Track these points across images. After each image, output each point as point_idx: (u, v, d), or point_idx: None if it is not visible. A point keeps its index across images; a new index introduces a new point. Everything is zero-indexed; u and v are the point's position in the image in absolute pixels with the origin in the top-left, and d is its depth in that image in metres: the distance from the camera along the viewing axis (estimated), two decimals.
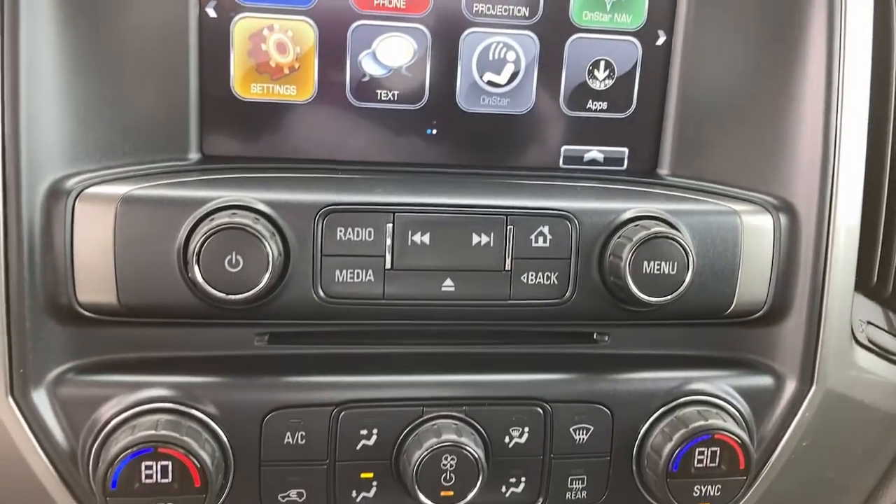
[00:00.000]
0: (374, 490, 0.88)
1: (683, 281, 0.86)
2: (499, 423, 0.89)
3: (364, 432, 0.87)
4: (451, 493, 0.85)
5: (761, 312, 0.95)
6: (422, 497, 0.84)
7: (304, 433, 0.86)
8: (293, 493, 0.87)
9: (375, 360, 0.91)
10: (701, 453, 0.89)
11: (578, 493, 0.91)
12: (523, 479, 0.91)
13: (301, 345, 0.91)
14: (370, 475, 0.88)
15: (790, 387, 0.96)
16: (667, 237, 0.86)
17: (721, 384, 0.94)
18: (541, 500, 0.91)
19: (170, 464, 0.80)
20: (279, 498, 0.87)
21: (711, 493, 0.90)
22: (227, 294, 0.79)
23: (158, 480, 0.80)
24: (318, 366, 0.89)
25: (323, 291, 0.85)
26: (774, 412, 0.96)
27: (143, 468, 0.80)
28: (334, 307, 0.86)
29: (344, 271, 0.85)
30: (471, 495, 0.85)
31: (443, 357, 0.93)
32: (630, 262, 0.85)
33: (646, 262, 0.86)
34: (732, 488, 0.90)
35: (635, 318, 0.93)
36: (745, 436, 0.89)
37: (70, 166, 0.83)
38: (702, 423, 0.89)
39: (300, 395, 0.86)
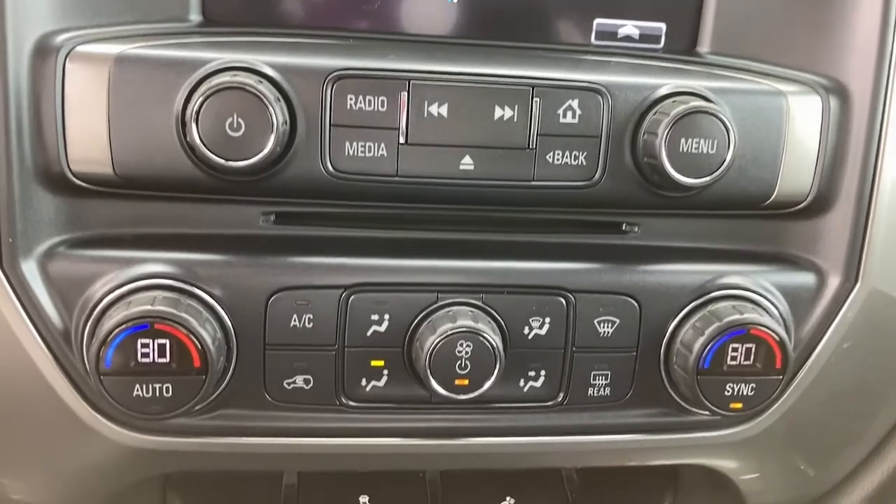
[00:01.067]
0: (384, 379, 0.83)
1: (723, 161, 0.79)
2: (518, 312, 0.84)
3: (375, 318, 0.82)
4: (466, 381, 0.80)
5: (804, 203, 0.87)
6: (435, 385, 0.79)
7: (311, 316, 0.81)
8: (299, 380, 0.82)
9: (388, 244, 0.85)
10: (735, 350, 0.83)
11: (601, 389, 0.86)
12: (543, 373, 0.85)
13: (309, 226, 0.85)
14: (381, 363, 0.83)
15: (832, 284, 0.89)
16: (707, 112, 0.78)
17: (758, 279, 0.87)
18: (561, 395, 0.86)
19: (167, 342, 0.75)
20: (285, 384, 0.82)
21: (744, 393, 0.84)
22: (228, 160, 0.73)
23: (155, 360, 0.75)
24: (327, 247, 0.83)
25: (332, 165, 0.78)
26: (815, 311, 0.89)
27: (138, 346, 0.75)
28: (344, 184, 0.79)
29: (354, 144, 0.78)
30: (487, 385, 0.80)
31: (460, 243, 0.87)
32: (666, 139, 0.78)
33: (683, 140, 0.78)
34: (767, 389, 0.84)
35: (668, 207, 0.86)
36: (782, 332, 0.83)
37: (60, 21, 0.77)
38: (737, 316, 0.82)
39: (308, 276, 0.80)
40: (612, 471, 0.97)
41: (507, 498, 0.93)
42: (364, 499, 0.91)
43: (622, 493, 0.95)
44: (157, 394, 0.76)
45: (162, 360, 0.76)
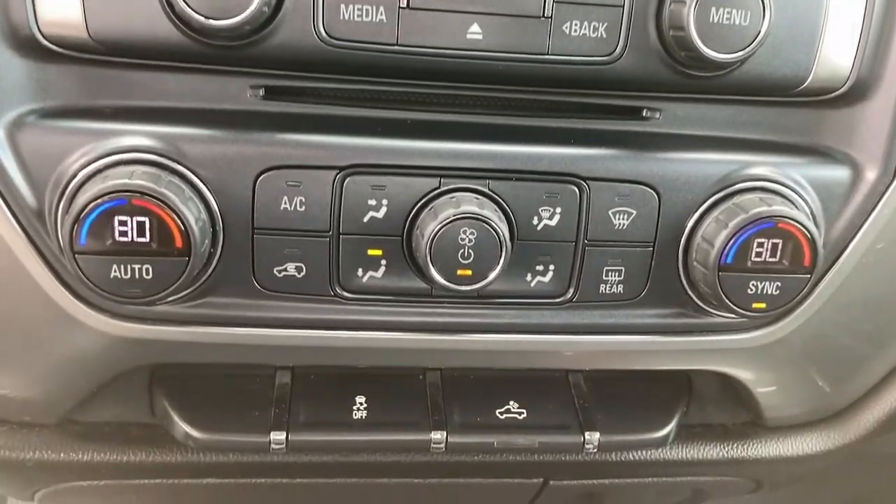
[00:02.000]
0: (382, 270, 0.78)
1: (757, 33, 0.71)
2: (527, 200, 0.77)
3: (372, 203, 0.75)
4: (470, 272, 0.74)
5: (842, 90, 0.80)
6: (436, 275, 0.74)
7: (303, 199, 0.75)
8: (291, 268, 0.77)
9: (388, 124, 0.78)
10: (760, 245, 0.77)
11: (614, 286, 0.80)
12: (552, 267, 0.79)
13: (302, 103, 0.78)
14: (378, 252, 0.77)
15: (868, 179, 0.82)
16: None
17: (788, 171, 0.80)
18: (570, 292, 0.80)
19: (147, 220, 0.69)
20: (275, 272, 0.77)
21: (769, 292, 0.78)
22: (209, 18, 0.66)
23: (134, 239, 0.70)
24: (321, 125, 0.77)
25: (325, 30, 0.71)
26: (847, 208, 0.82)
27: (115, 224, 0.69)
28: (338, 52, 0.72)
29: (350, 6, 0.71)
30: (491, 276, 0.74)
31: (466, 125, 0.80)
32: (695, 7, 0.70)
33: (714, 9, 0.71)
34: (793, 288, 0.78)
35: (693, 90, 0.79)
36: (812, 227, 0.76)
37: None
38: (764, 208, 0.76)
39: (299, 154, 0.74)
40: (622, 378, 0.92)
41: (511, 402, 0.89)
42: (360, 399, 0.87)
43: (631, 402, 0.91)
44: (137, 276, 0.71)
45: (141, 240, 0.70)
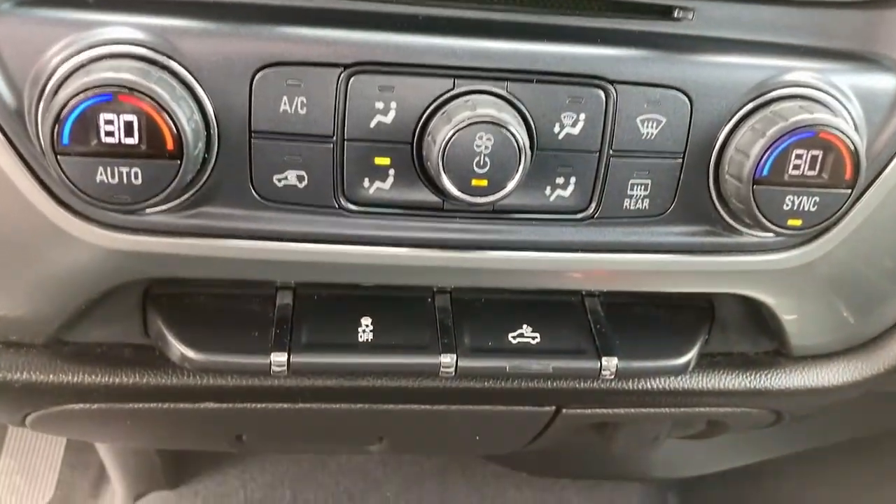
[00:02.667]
0: (390, 180, 0.72)
1: None
2: (548, 105, 0.71)
3: (380, 105, 0.69)
4: (485, 182, 0.69)
5: None
6: (448, 185, 0.68)
7: (304, 100, 0.68)
8: (292, 176, 0.71)
9: (398, 18, 0.72)
10: (798, 156, 0.71)
11: (639, 201, 0.75)
12: (573, 180, 0.74)
13: None
14: (386, 161, 0.72)
15: None
16: None
17: (831, 78, 0.74)
18: (592, 206, 0.75)
19: (135, 119, 0.64)
20: (275, 180, 0.71)
21: (805, 208, 0.73)
22: None
23: (122, 140, 0.64)
24: (324, 19, 0.70)
25: None
26: (893, 119, 0.76)
27: (101, 122, 0.63)
28: None
29: None
30: (509, 187, 0.68)
31: (483, 22, 0.73)
32: None
33: None
34: (831, 204, 0.73)
35: None
36: (856, 138, 0.71)
37: None
38: (805, 116, 0.70)
39: (300, 49, 0.68)
40: (640, 303, 0.88)
41: (524, 326, 0.84)
42: (366, 321, 0.82)
43: (650, 328, 0.86)
44: (125, 180, 0.65)
45: (129, 141, 0.64)
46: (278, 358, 0.78)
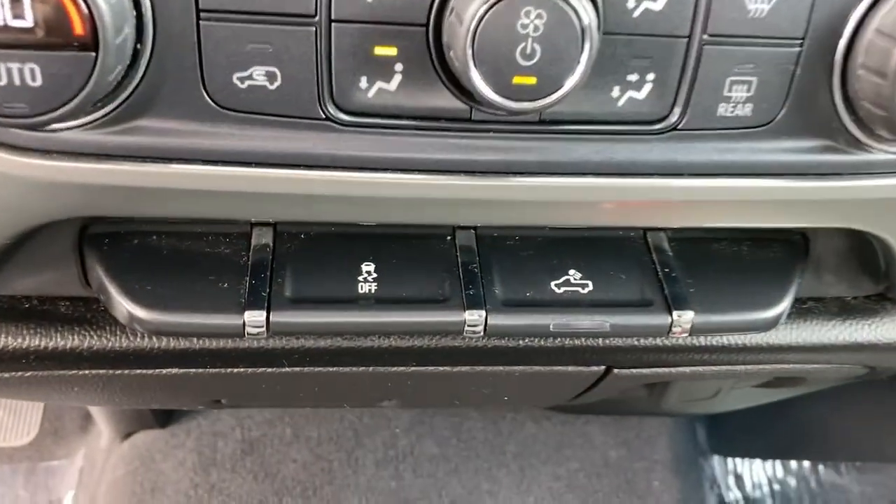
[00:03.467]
0: (396, 78, 0.52)
1: None
2: None
3: None
4: (533, 80, 0.49)
5: None
6: (480, 85, 0.48)
7: None
8: (259, 74, 0.51)
9: None
10: None
11: (738, 106, 0.55)
12: (651, 76, 0.54)
13: None
14: (392, 51, 0.51)
15: None
16: None
17: None
18: (676, 112, 0.55)
19: None
20: (235, 80, 0.51)
21: None
22: None
23: (7, 22, 0.44)
24: None
25: None
26: None
27: None
28: None
29: None
30: (567, 86, 0.49)
31: None
32: None
33: None
34: None
35: None
36: None
37: None
38: None
39: None
40: (718, 240, 0.69)
41: (571, 271, 0.66)
42: (367, 267, 0.64)
43: (731, 273, 0.68)
44: (19, 81, 0.46)
45: (18, 23, 0.45)
46: (254, 317, 0.59)
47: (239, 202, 0.57)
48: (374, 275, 0.64)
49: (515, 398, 0.87)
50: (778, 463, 2.09)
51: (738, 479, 2.07)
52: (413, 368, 0.73)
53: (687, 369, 0.77)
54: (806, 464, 2.09)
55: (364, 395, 0.84)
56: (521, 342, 0.70)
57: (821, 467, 2.09)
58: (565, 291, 0.65)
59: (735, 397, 1.76)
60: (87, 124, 0.51)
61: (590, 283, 0.65)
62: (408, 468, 1.68)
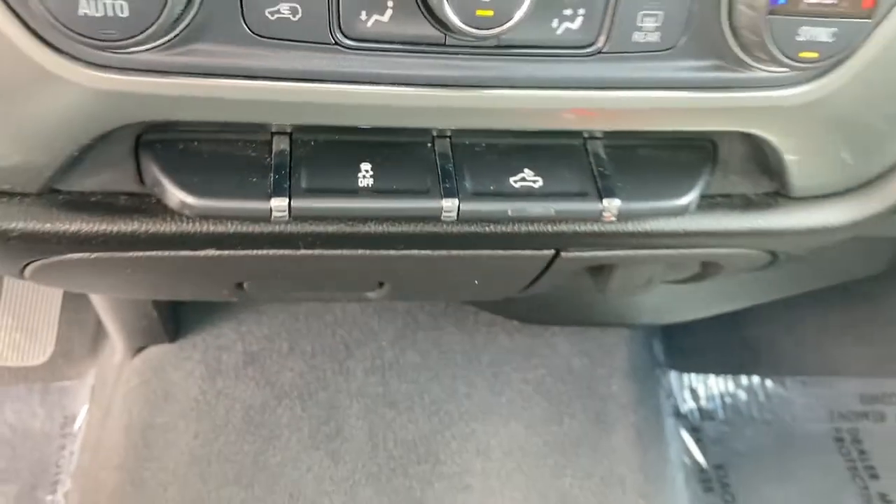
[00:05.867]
0: (389, 12, 0.68)
1: None
2: None
3: None
4: (491, 12, 0.65)
5: None
6: (451, 16, 0.65)
7: None
8: (284, 8, 0.67)
9: None
10: None
11: (649, 34, 0.72)
12: (582, 11, 0.71)
13: None
14: None
15: None
16: None
17: None
18: (601, 40, 0.72)
19: None
20: (267, 13, 0.67)
21: (821, 39, 0.70)
22: None
23: None
24: None
25: None
26: None
27: None
28: None
29: None
30: (517, 16, 0.65)
31: None
32: None
33: None
34: (849, 34, 0.70)
35: None
36: None
37: None
38: None
39: None
40: (642, 145, 0.87)
41: (525, 170, 0.83)
42: (366, 166, 0.81)
43: (652, 170, 0.85)
44: (111, 13, 0.62)
45: None
46: (279, 203, 0.76)
47: (267, 109, 0.73)
48: (371, 172, 0.81)
49: (483, 283, 1.05)
50: (730, 378, 2.27)
51: (693, 392, 2.26)
52: (401, 252, 0.91)
53: (621, 252, 0.95)
54: (755, 379, 2.27)
55: (361, 278, 1.01)
56: (486, 228, 0.87)
57: (768, 381, 2.27)
58: (521, 186, 0.82)
59: (682, 305, 1.96)
60: (154, 48, 0.66)
61: (540, 179, 0.83)
62: (393, 375, 1.86)
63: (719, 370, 2.25)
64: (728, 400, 2.24)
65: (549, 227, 0.88)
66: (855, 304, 2.36)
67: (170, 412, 1.75)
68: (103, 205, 0.81)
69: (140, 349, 1.87)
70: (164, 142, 0.79)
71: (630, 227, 0.89)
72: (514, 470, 1.72)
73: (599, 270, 1.05)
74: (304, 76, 0.70)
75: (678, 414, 2.20)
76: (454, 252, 0.91)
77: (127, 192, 0.82)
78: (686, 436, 2.15)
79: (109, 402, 1.89)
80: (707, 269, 1.07)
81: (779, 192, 0.92)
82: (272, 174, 0.78)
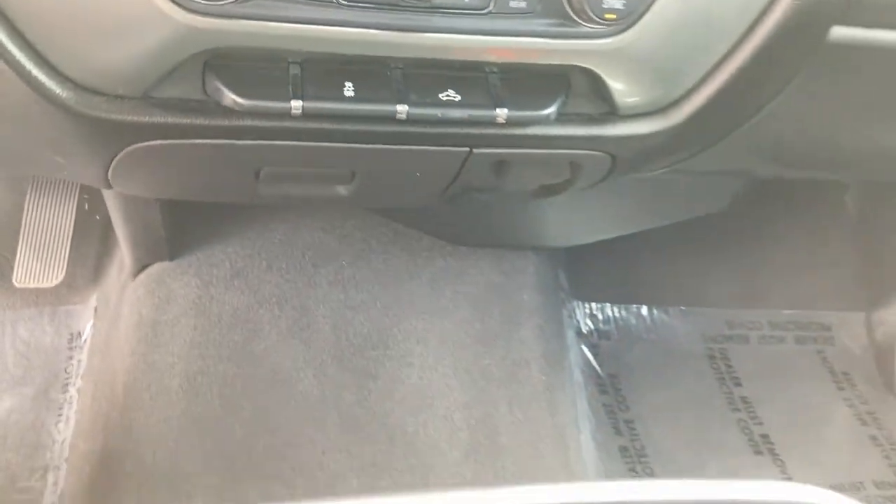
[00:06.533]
0: None
1: None
2: None
3: None
4: None
5: None
6: None
7: None
8: None
9: None
10: None
11: (519, 2, 1.21)
12: None
13: None
14: None
15: None
16: None
17: None
18: (491, 4, 1.19)
19: None
20: None
21: (617, 6, 1.19)
22: None
23: None
24: None
25: None
26: None
27: None
28: None
29: None
30: None
31: None
32: None
33: None
34: (635, 3, 1.21)
35: None
36: None
37: None
38: None
39: None
40: (522, 76, 1.35)
41: (449, 90, 1.31)
42: (349, 84, 1.28)
43: (528, 91, 1.33)
44: None
45: None
46: (296, 104, 1.23)
47: (292, 41, 1.19)
48: (352, 88, 1.27)
49: (422, 178, 1.53)
50: (623, 307, 2.78)
51: (593, 317, 2.74)
52: (368, 146, 1.38)
53: (512, 150, 1.44)
54: (644, 308, 2.75)
55: (341, 167, 1.48)
56: (425, 129, 1.35)
57: (655, 310, 2.76)
58: (446, 99, 1.30)
59: (576, 230, 2.47)
60: (229, 3, 1.13)
61: (459, 96, 1.31)
62: (352, 287, 2.32)
63: (615, 301, 2.76)
64: (621, 324, 2.73)
65: (465, 130, 1.37)
66: (726, 248, 2.93)
67: (172, 312, 2.18)
68: (180, 106, 1.26)
69: (143, 267, 2.29)
70: (222, 65, 1.24)
71: (517, 131, 1.38)
72: (445, 353, 2.21)
73: (500, 168, 1.54)
74: (314, 22, 1.16)
75: (579, 333, 2.71)
76: (403, 147, 1.39)
77: (196, 98, 1.27)
78: (585, 350, 2.65)
79: (116, 312, 2.29)
80: (573, 172, 1.57)
81: (611, 111, 1.42)
82: (290, 86, 1.24)
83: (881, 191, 2.94)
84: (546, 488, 0.83)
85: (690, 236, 2.83)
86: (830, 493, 0.91)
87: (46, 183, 2.54)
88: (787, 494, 0.87)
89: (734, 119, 1.56)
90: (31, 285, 2.46)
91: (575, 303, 2.74)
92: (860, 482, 2.64)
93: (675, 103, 1.42)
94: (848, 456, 2.71)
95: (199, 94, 1.27)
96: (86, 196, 2.60)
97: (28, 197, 2.57)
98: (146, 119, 1.24)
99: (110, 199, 2.04)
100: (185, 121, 1.26)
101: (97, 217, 2.57)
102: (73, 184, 2.56)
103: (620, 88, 1.36)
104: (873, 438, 2.77)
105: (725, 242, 2.91)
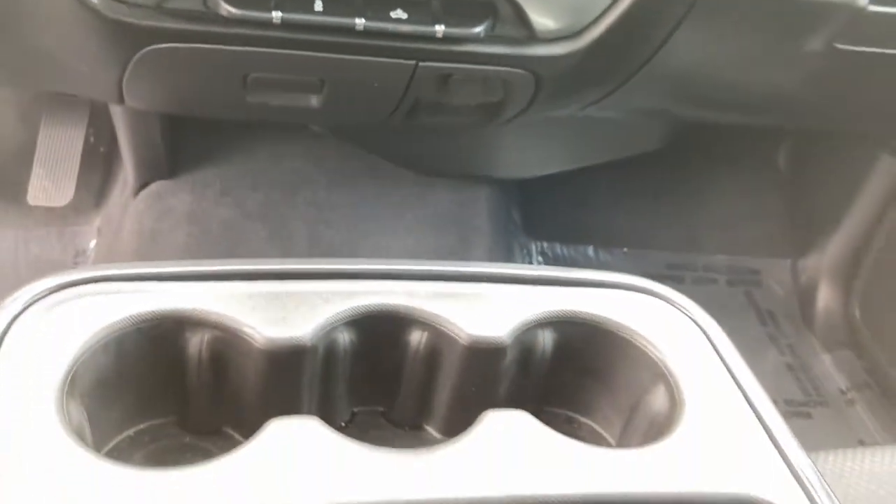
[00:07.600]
0: None
1: None
2: None
3: None
4: None
5: None
6: None
7: None
8: None
9: None
10: None
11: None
12: None
13: None
14: None
15: None
16: None
17: None
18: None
19: None
20: None
21: None
22: None
23: None
24: None
25: None
26: None
27: None
28: None
29: None
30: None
31: None
32: None
33: None
34: None
35: None
36: None
37: None
38: None
39: None
40: (456, 2, 1.69)
41: (398, 10, 1.64)
42: (318, 1, 1.61)
43: (461, 15, 1.66)
44: None
45: None
46: (277, 14, 1.56)
47: None
48: (322, 4, 1.61)
49: (379, 90, 1.87)
50: (572, 247, 3.13)
51: (543, 253, 3.11)
52: (334, 55, 1.71)
53: (452, 64, 1.78)
54: (591, 248, 3.12)
55: (312, 74, 1.82)
56: (378, 41, 1.69)
57: (601, 251, 3.13)
58: (396, 17, 1.64)
59: (525, 162, 2.83)
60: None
61: (406, 14, 1.65)
62: (326, 207, 2.65)
63: (564, 241, 3.11)
64: (569, 261, 3.08)
65: (412, 45, 1.71)
66: (669, 198, 3.30)
67: (169, 222, 2.51)
68: (185, 15, 1.59)
69: (144, 185, 2.62)
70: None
71: (454, 47, 1.72)
72: None
73: (443, 85, 1.88)
74: None
75: None
76: (362, 57, 1.73)
77: (198, 9, 1.60)
78: None
79: (119, 226, 2.62)
80: (506, 90, 1.92)
81: (531, 35, 1.76)
82: (272, 1, 1.58)
83: (810, 148, 3.31)
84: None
85: (637, 185, 3.19)
86: (661, 285, 1.24)
87: (58, 115, 2.87)
88: (621, 279, 1.21)
89: (637, 51, 1.91)
90: (43, 203, 2.78)
91: (527, 238, 3.08)
92: (774, 400, 3.01)
93: (585, 29, 1.77)
94: (766, 380, 3.07)
95: (201, 5, 1.60)
96: (92, 129, 2.92)
97: (41, 128, 2.90)
98: (157, 24, 1.58)
99: (118, 119, 2.36)
100: (189, 27, 1.59)
101: (101, 149, 2.89)
102: (81, 116, 2.88)
103: (537, 17, 1.70)
104: (789, 366, 3.13)
105: (668, 193, 3.27)
